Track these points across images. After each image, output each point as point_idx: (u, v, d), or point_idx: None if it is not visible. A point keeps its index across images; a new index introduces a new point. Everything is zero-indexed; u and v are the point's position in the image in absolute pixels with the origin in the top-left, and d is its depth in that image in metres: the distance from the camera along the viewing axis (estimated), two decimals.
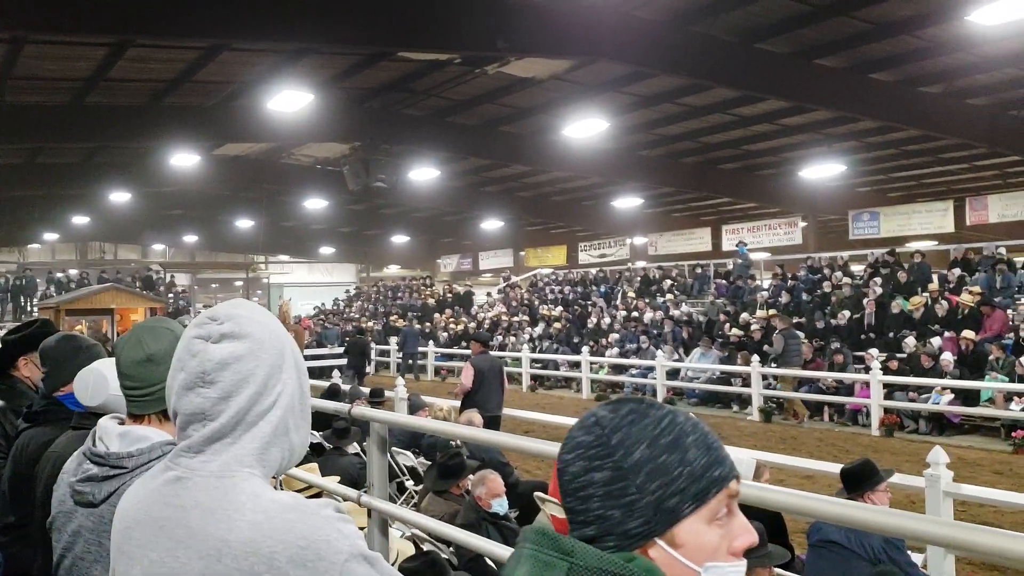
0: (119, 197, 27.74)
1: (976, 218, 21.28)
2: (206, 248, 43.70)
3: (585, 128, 19.05)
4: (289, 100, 16.64)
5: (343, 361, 25.45)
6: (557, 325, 23.23)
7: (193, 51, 15.04)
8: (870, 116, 17.14)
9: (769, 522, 4.67)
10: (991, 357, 13.58)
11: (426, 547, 4.69)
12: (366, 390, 10.49)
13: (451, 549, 4.59)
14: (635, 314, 21.95)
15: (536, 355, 21.87)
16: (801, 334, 16.59)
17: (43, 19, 11.29)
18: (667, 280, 24.62)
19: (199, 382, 1.26)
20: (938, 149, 21.75)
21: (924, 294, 16.55)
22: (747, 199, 27.60)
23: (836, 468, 5.22)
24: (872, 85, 16.09)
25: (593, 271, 28.71)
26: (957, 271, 17.52)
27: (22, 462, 2.62)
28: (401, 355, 24.58)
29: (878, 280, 18.02)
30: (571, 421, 1.12)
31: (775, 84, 15.51)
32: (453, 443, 6.48)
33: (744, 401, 16.38)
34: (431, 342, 24.79)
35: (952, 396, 13.39)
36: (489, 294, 30.79)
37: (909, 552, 4.42)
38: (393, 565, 4.14)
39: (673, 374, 18.11)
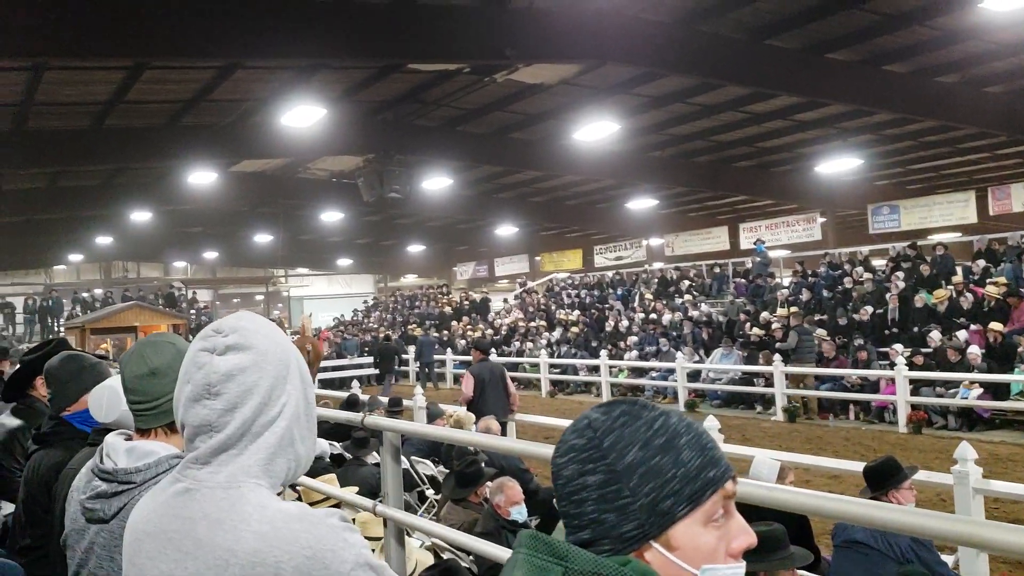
0: (140, 216, 28.04)
1: (999, 208, 21.01)
2: (226, 264, 44.06)
3: (596, 131, 19.03)
4: (303, 115, 16.75)
5: (363, 372, 25.68)
6: (575, 329, 23.19)
7: (208, 71, 15.17)
8: (886, 108, 16.96)
9: (795, 525, 4.61)
10: (1020, 349, 13.36)
11: (446, 556, 4.66)
12: (384, 400, 10.52)
13: (471, 558, 4.56)
14: (653, 316, 21.87)
15: (554, 360, 21.85)
16: (822, 331, 16.46)
17: (63, 45, 11.43)
18: (685, 281, 24.53)
19: (205, 394, 1.28)
20: (957, 139, 21.52)
21: (948, 287, 16.32)
22: (764, 196, 27.45)
23: (862, 467, 5.14)
24: (887, 77, 15.93)
25: (610, 274, 28.65)
26: (982, 262, 17.30)
27: (34, 484, 2.63)
28: (418, 365, 24.63)
29: (900, 274, 17.83)
30: None
31: (787, 80, 15.41)
32: (471, 450, 6.47)
33: (768, 401, 16.24)
34: (449, 350, 24.80)
35: (981, 390, 13.12)
36: (506, 300, 30.81)
37: (940, 553, 4.34)
38: (413, 575, 4.12)
39: (694, 376, 18.01)
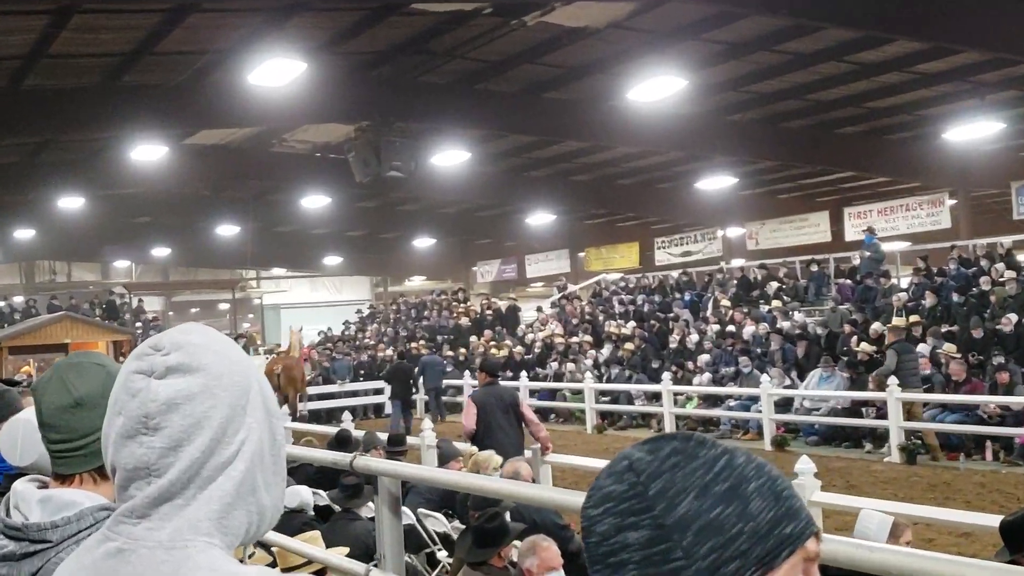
0: (71, 203, 28.41)
1: None
2: (182, 263, 44.53)
3: (657, 89, 19.00)
4: (277, 72, 16.88)
5: (357, 401, 25.79)
6: (629, 346, 23.14)
7: (153, 15, 15.35)
8: None
9: None
10: None
11: None
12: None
13: None
14: (731, 328, 21.77)
15: (603, 386, 21.81)
16: (951, 346, 16.31)
17: None
18: (773, 283, 24.41)
19: (141, 428, 1.27)
20: None
21: None
22: (876, 172, 27.24)
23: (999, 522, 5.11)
24: None
25: (675, 274, 28.53)
26: None
27: None
28: (424, 392, 24.77)
29: None
30: None
31: (907, 20, 15.30)
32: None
33: (879, 438, 16.14)
34: (467, 373, 24.86)
35: None
36: (540, 309, 30.79)
37: None
38: None
39: (785, 405, 17.91)
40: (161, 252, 40.51)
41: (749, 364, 19.35)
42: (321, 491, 8.76)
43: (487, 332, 28.84)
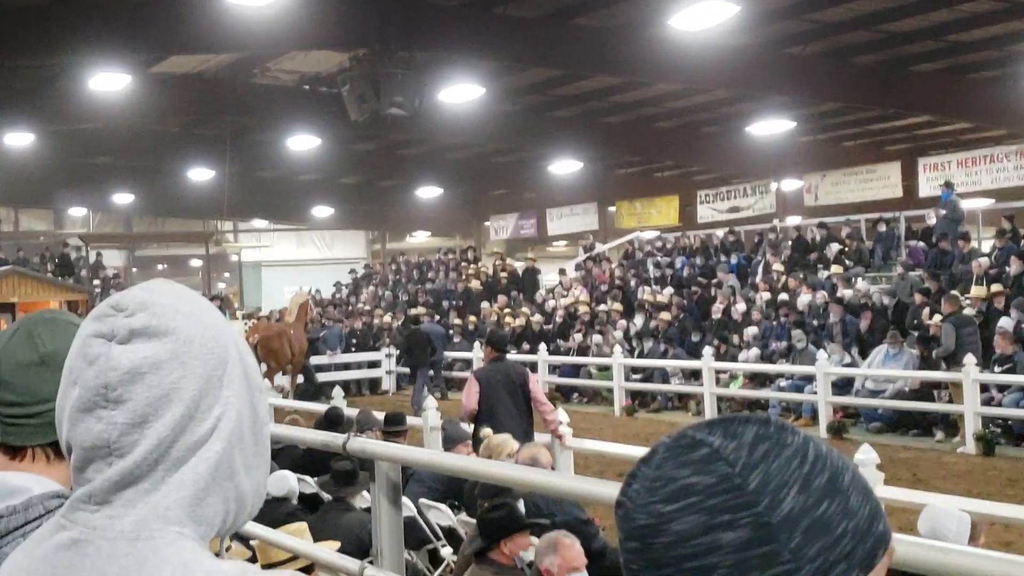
0: (18, 140, 28.40)
1: None
2: (147, 212, 44.64)
3: (703, 16, 18.92)
4: None
5: (350, 375, 25.94)
6: (665, 316, 23.15)
7: None
8: None
9: None
10: None
11: None
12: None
13: None
14: (784, 297, 21.78)
15: (634, 361, 21.87)
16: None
17: None
18: (833, 244, 24.35)
19: (100, 401, 1.26)
20: None
21: None
22: (956, 117, 27.08)
23: None
24: None
25: (720, 233, 28.45)
26: None
27: None
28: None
29: None
30: None
31: None
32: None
33: (952, 425, 16.20)
34: (477, 344, 24.92)
35: None
36: (563, 271, 30.78)
37: None
38: None
39: (844, 386, 17.94)
40: (123, 199, 40.43)
41: (804, 338, 19.34)
42: (308, 477, 8.84)
43: (501, 298, 28.86)
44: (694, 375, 20.36)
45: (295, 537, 5.74)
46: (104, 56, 20.59)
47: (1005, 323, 16.92)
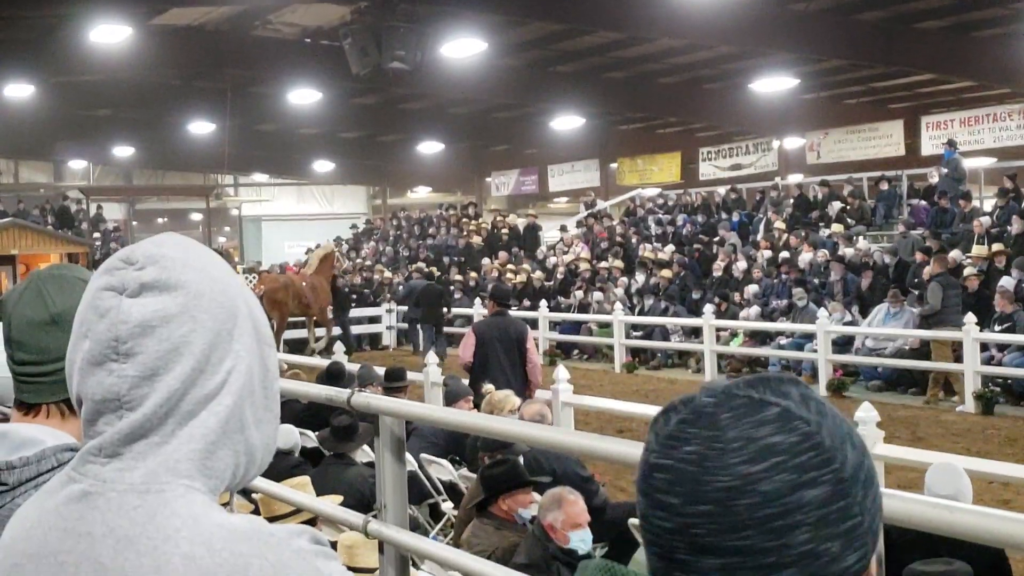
0: (18, 92, 28.28)
1: None
2: (147, 165, 44.53)
3: None
4: None
5: (353, 329, 25.99)
6: (666, 273, 23.17)
7: None
8: None
9: (989, 562, 4.64)
10: None
11: None
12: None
13: None
14: (785, 255, 21.80)
15: (635, 319, 21.90)
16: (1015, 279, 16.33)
17: None
18: (835, 202, 24.33)
19: (110, 354, 1.26)
20: None
21: None
22: (959, 74, 26.93)
23: None
24: None
25: (722, 190, 28.43)
26: None
27: None
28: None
29: None
30: None
31: None
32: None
33: (947, 386, 16.26)
34: (478, 300, 24.97)
35: None
36: (564, 228, 30.78)
37: None
38: None
39: (844, 344, 17.98)
40: (123, 152, 40.40)
41: (804, 296, 19.35)
42: (309, 431, 8.87)
43: (502, 254, 28.88)
44: (694, 332, 20.41)
45: (298, 491, 5.75)
46: (104, 7, 20.48)
47: (1006, 282, 16.91)
